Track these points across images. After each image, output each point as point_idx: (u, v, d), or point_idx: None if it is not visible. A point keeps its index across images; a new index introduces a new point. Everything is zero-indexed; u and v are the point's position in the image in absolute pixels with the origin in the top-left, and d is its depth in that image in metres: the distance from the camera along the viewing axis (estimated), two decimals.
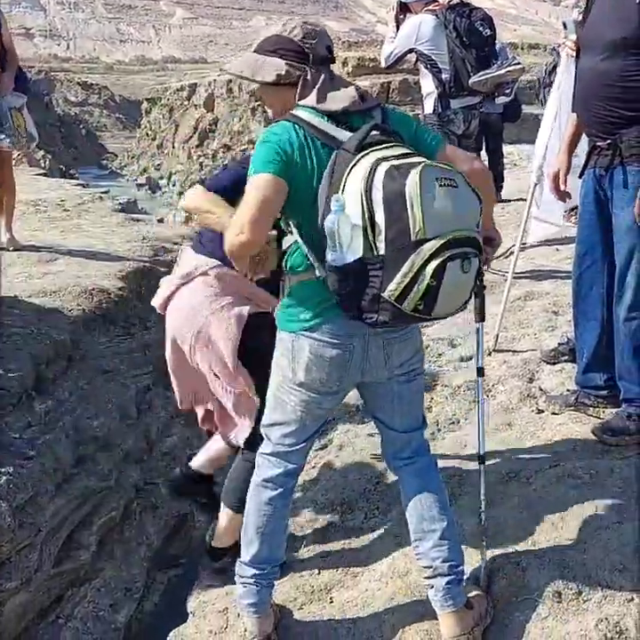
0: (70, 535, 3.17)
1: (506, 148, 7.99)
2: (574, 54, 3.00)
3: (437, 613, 2.08)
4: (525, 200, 4.15)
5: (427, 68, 4.52)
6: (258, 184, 1.82)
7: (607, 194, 2.81)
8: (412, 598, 2.26)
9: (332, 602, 2.38)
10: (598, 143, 2.80)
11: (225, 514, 2.56)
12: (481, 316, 2.21)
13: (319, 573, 2.52)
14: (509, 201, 7.23)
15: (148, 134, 29.94)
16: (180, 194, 22.76)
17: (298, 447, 2.12)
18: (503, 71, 4.48)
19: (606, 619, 1.99)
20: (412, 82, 14.95)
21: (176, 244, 6.28)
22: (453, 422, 3.36)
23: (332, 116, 1.89)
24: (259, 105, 19.79)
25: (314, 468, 3.18)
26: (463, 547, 2.20)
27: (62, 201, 7.90)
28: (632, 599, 2.04)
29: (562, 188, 3.12)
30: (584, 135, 3.00)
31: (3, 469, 2.88)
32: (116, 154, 35.07)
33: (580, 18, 2.93)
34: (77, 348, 4.09)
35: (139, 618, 3.24)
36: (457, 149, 2.09)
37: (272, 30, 2.00)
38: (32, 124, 5.17)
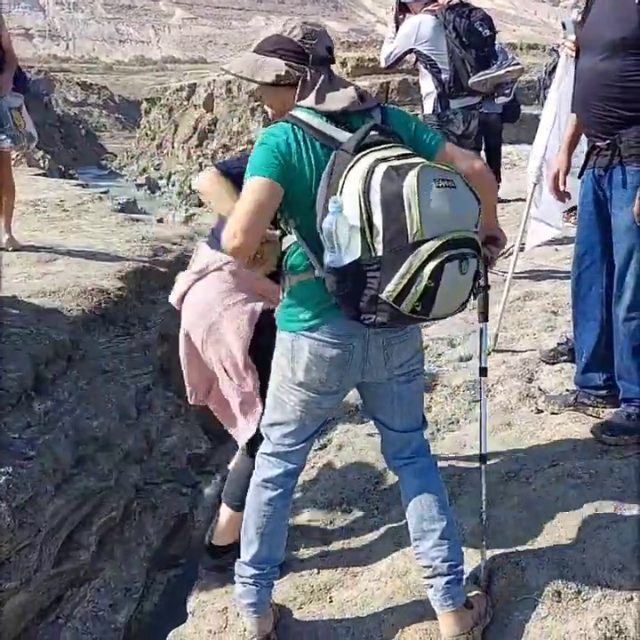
0: (70, 535, 3.17)
1: (505, 148, 7.99)
2: (574, 54, 3.01)
3: (437, 613, 2.08)
4: (525, 200, 4.16)
5: (426, 68, 4.52)
6: (253, 188, 1.83)
7: (606, 194, 2.82)
8: (412, 598, 2.27)
9: (331, 601, 2.38)
10: (597, 143, 2.81)
11: (225, 512, 2.57)
12: (484, 316, 2.21)
13: (319, 573, 2.52)
14: (509, 201, 7.23)
15: (147, 134, 29.92)
16: (180, 194, 22.76)
17: (298, 447, 2.12)
18: (503, 71, 4.48)
19: (606, 618, 2.00)
20: (411, 82, 14.96)
21: (175, 244, 6.28)
22: (453, 422, 3.36)
23: (332, 117, 1.89)
24: (258, 105, 19.79)
25: (313, 467, 3.18)
26: (463, 546, 2.20)
27: (62, 201, 7.90)
28: (631, 598, 2.05)
29: (561, 188, 3.12)
30: (583, 135, 3.00)
31: (2, 469, 2.88)
32: (115, 154, 35.04)
33: (580, 18, 2.94)
34: (77, 349, 4.09)
35: (138, 618, 3.24)
36: (456, 148, 2.08)
37: (272, 30, 1.99)
38: (31, 124, 5.17)
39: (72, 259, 5.29)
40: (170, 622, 2.63)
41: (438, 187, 1.70)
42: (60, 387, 3.72)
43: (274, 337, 2.07)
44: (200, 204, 21.40)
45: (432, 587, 2.07)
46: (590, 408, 3.09)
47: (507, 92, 5.38)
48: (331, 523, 2.80)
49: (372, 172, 1.71)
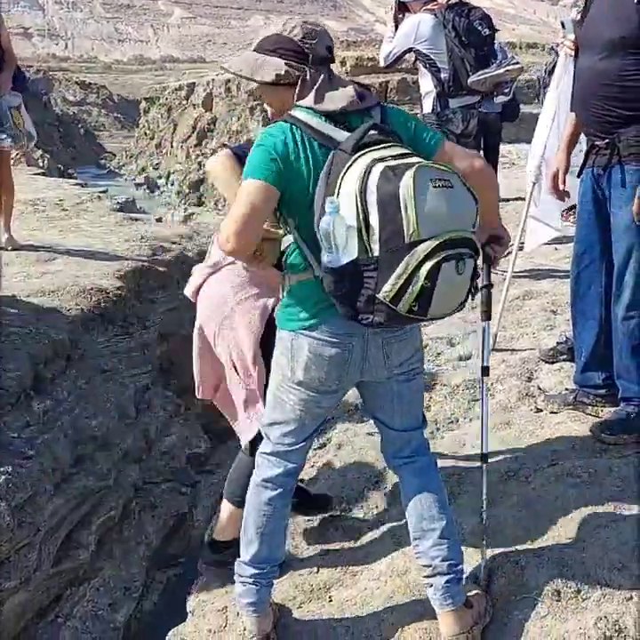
0: (69, 535, 3.17)
1: (505, 147, 7.99)
2: (573, 54, 3.01)
3: (436, 612, 2.08)
4: (524, 199, 4.16)
5: (425, 67, 4.52)
6: (248, 190, 1.83)
7: (605, 193, 2.82)
8: (412, 597, 2.27)
9: (331, 601, 2.38)
10: (596, 142, 2.81)
11: (226, 508, 2.57)
12: (487, 314, 2.20)
13: (318, 572, 2.52)
14: (508, 200, 7.23)
15: (146, 134, 29.89)
16: (179, 193, 22.75)
17: (297, 446, 2.12)
18: (502, 70, 4.48)
19: (605, 617, 2.00)
20: (410, 81, 14.97)
21: (174, 243, 6.28)
22: (452, 421, 3.36)
23: (331, 117, 1.89)
24: (257, 104, 19.77)
25: (313, 467, 3.18)
26: (462, 545, 2.20)
27: (61, 200, 7.89)
28: (631, 597, 2.05)
29: (560, 187, 3.12)
30: (582, 134, 3.00)
31: (1, 469, 2.88)
32: (114, 153, 35.00)
33: (579, 17, 2.94)
34: (76, 348, 4.09)
35: (138, 617, 3.25)
36: (456, 146, 2.07)
37: (272, 29, 1.99)
38: (30, 123, 5.17)
39: (71, 258, 5.29)
40: (169, 621, 2.63)
41: (435, 187, 1.69)
42: (58, 386, 3.72)
43: None
44: (199, 204, 21.40)
45: (432, 586, 2.07)
46: (589, 407, 3.09)
47: (506, 91, 5.37)
48: (330, 522, 2.80)
49: (369, 172, 1.71)
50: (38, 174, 11.18)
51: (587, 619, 2.01)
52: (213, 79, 23.94)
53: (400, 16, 4.62)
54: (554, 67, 4.81)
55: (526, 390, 3.43)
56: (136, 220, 7.52)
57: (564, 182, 3.11)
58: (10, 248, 5.31)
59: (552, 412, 3.17)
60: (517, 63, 4.66)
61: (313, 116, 1.88)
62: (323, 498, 2.88)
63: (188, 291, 2.57)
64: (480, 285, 2.10)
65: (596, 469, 2.66)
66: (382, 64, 4.72)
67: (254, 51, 1.99)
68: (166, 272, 5.58)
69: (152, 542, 3.56)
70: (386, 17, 4.89)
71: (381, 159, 1.73)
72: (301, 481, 2.79)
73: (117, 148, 35.71)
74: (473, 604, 2.08)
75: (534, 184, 3.91)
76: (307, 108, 1.89)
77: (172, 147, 25.88)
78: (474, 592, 2.15)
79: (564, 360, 3.58)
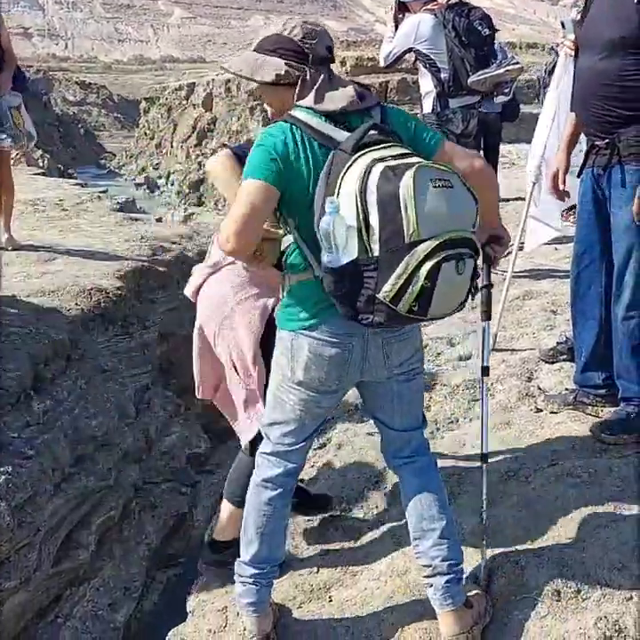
0: (69, 535, 3.17)
1: (505, 147, 7.99)
2: (573, 54, 3.01)
3: (436, 612, 2.08)
4: (524, 199, 4.16)
5: (425, 67, 4.52)
6: (248, 191, 1.84)
7: (605, 193, 2.82)
8: (412, 597, 2.27)
9: (331, 601, 2.38)
10: (596, 142, 2.81)
11: (226, 508, 2.57)
12: (487, 314, 2.20)
13: (318, 572, 2.52)
14: (508, 200, 7.23)
15: (146, 134, 29.89)
16: (179, 193, 22.75)
17: (297, 446, 2.12)
18: (502, 70, 4.48)
19: (605, 617, 2.00)
20: (410, 81, 14.97)
21: (174, 243, 6.28)
22: (452, 421, 3.36)
23: (330, 117, 1.88)
24: (257, 104, 19.77)
25: (313, 467, 3.18)
26: (462, 545, 2.20)
27: (61, 200, 7.89)
28: (631, 597, 2.05)
29: (560, 187, 3.12)
30: (582, 134, 3.00)
31: (1, 469, 2.88)
32: (114, 153, 35.00)
33: (579, 17, 2.94)
34: (76, 348, 4.09)
35: (138, 617, 3.25)
36: (456, 146, 2.07)
37: (272, 29, 1.99)
38: (30, 122, 5.17)
39: (71, 258, 5.29)
40: (169, 621, 2.63)
41: (435, 187, 1.69)
42: (58, 386, 3.72)
43: None
44: (199, 204, 21.40)
45: (432, 586, 2.07)
46: (589, 407, 3.09)
47: (506, 91, 5.37)
48: (330, 522, 2.80)
49: (369, 172, 1.71)
50: (38, 174, 11.18)
51: (587, 619, 2.01)
52: (213, 79, 23.94)
53: (400, 16, 4.62)
54: (554, 67, 4.81)
55: (526, 390, 3.43)
56: (136, 220, 7.52)
57: (564, 182, 3.11)
58: (10, 248, 5.32)
59: (552, 412, 3.17)
60: (517, 63, 4.66)
61: (313, 116, 1.88)
62: (323, 498, 2.89)
63: (188, 291, 2.57)
64: (480, 285, 2.10)
65: (596, 469, 2.66)
66: (382, 64, 4.72)
67: (254, 51, 1.99)
68: (166, 272, 5.58)
69: (152, 542, 3.56)
70: (386, 17, 4.89)
71: (381, 159, 1.73)
72: (301, 481, 2.80)
73: (117, 148, 35.71)
74: (473, 604, 2.08)
75: (534, 184, 3.91)
76: (307, 107, 1.89)
77: (171, 147, 25.88)
78: (474, 592, 2.15)
79: (563, 360, 3.58)
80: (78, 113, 43.29)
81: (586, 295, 3.01)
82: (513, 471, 2.78)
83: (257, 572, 2.15)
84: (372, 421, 2.36)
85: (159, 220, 11.46)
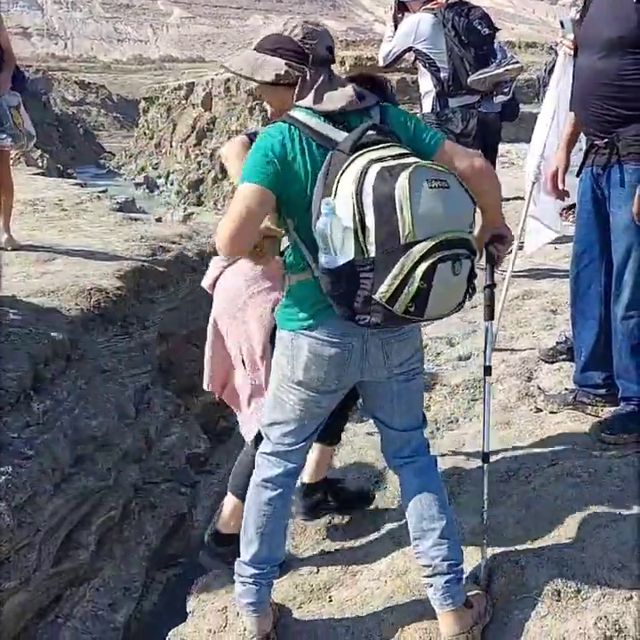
0: (69, 535, 3.17)
1: (504, 147, 7.99)
2: (572, 53, 3.00)
3: (436, 612, 2.07)
4: (523, 199, 4.16)
5: (425, 66, 4.52)
6: (244, 194, 1.84)
7: (604, 192, 2.82)
8: (411, 597, 2.26)
9: (331, 601, 2.38)
10: (596, 142, 2.81)
11: (230, 501, 2.56)
12: (490, 314, 2.20)
13: (318, 572, 2.52)
14: (508, 199, 7.22)
15: (145, 133, 29.91)
16: (178, 193, 22.77)
17: (297, 446, 2.12)
18: (502, 70, 4.48)
19: (605, 617, 1.99)
20: (410, 81, 14.98)
21: (174, 243, 6.28)
22: (452, 421, 3.36)
23: (330, 117, 1.88)
24: (257, 104, 19.79)
25: None
26: (462, 545, 2.20)
27: (60, 200, 7.89)
28: (631, 597, 2.05)
29: (560, 186, 3.12)
30: (582, 134, 3.00)
31: (1, 469, 2.88)
32: (113, 153, 35.01)
33: (578, 16, 2.94)
34: (76, 348, 4.09)
35: (138, 617, 3.25)
36: (456, 146, 2.04)
37: (273, 29, 1.98)
38: (30, 122, 5.17)
39: (71, 258, 5.29)
40: (169, 621, 2.63)
41: (431, 187, 1.69)
42: (58, 386, 3.72)
43: None
44: (199, 203, 21.41)
45: (432, 586, 2.07)
46: (589, 407, 3.09)
47: (506, 90, 5.36)
48: (330, 522, 2.79)
49: (366, 173, 1.71)
50: (38, 174, 11.18)
51: (587, 619, 2.01)
52: (213, 79, 23.95)
53: (399, 15, 4.62)
54: (553, 66, 4.81)
55: (526, 390, 3.44)
56: (135, 219, 7.52)
57: (564, 181, 3.11)
58: (9, 248, 5.32)
59: (552, 412, 3.17)
60: (517, 62, 4.66)
61: (312, 117, 1.88)
62: (363, 492, 2.86)
63: (205, 283, 2.57)
64: (483, 285, 2.09)
65: (595, 469, 2.66)
66: (381, 63, 4.72)
67: (255, 50, 1.98)
68: (166, 272, 5.58)
69: (152, 542, 3.57)
70: (385, 16, 4.89)
71: (379, 159, 1.73)
72: (338, 481, 2.80)
73: (117, 148, 35.72)
74: (473, 604, 2.08)
75: (534, 183, 3.91)
76: (306, 108, 1.89)
77: (171, 146, 25.90)
78: (474, 592, 2.14)
79: (563, 360, 3.58)
80: (77, 113, 43.30)
81: (585, 295, 3.01)
82: (513, 471, 2.78)
83: (257, 571, 2.15)
84: (371, 421, 2.35)
85: (159, 219, 11.46)
